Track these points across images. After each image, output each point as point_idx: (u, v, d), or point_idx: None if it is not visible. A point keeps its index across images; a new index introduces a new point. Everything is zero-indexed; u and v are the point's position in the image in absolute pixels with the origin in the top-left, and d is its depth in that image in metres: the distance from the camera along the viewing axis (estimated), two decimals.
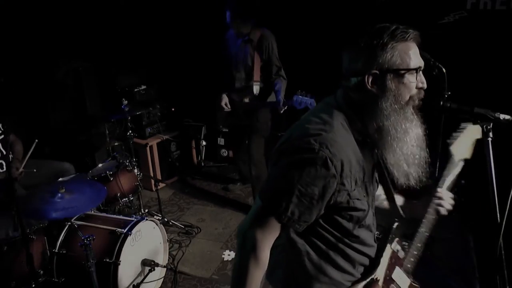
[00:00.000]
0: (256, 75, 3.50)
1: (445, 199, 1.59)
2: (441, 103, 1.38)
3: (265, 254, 1.29)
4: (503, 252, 1.33)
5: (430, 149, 1.37)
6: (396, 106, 1.25)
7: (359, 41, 1.25)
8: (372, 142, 1.31)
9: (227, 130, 4.56)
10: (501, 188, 1.37)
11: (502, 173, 1.46)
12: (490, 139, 1.34)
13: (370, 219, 1.42)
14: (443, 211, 1.59)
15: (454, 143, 1.64)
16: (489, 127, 1.33)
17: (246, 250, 1.28)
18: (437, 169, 2.97)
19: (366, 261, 1.44)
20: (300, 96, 3.14)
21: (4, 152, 3.09)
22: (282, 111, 3.34)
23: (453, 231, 3.32)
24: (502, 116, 1.34)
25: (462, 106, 1.38)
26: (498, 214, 1.32)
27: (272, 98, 3.55)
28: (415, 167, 1.32)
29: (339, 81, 1.35)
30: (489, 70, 3.52)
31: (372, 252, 1.46)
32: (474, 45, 3.57)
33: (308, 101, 3.11)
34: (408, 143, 1.28)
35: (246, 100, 3.59)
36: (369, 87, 1.24)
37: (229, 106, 3.67)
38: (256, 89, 3.52)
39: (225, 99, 3.67)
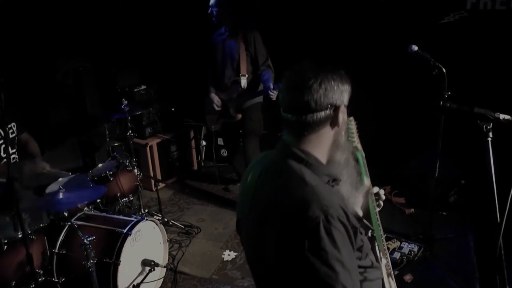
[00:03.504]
0: (243, 68, 3.50)
1: (382, 193, 1.64)
2: (441, 103, 1.38)
3: None
4: (503, 252, 1.33)
5: (430, 149, 1.37)
6: (345, 139, 1.30)
7: (327, 75, 1.23)
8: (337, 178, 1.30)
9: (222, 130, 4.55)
10: (501, 188, 1.37)
11: (502, 173, 1.46)
12: (490, 139, 1.34)
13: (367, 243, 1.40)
14: (381, 206, 1.63)
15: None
16: (489, 127, 1.33)
17: None
18: (437, 169, 2.98)
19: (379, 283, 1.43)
20: None
21: (10, 151, 3.08)
22: (274, 97, 3.34)
23: (453, 231, 3.32)
24: (502, 116, 1.35)
25: (462, 106, 1.38)
26: (498, 214, 1.32)
27: (261, 89, 3.56)
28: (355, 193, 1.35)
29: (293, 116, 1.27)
30: (489, 70, 3.52)
31: (379, 273, 1.43)
32: (474, 45, 3.57)
33: None
34: (353, 170, 1.32)
35: (235, 96, 3.59)
36: (338, 120, 1.24)
37: (220, 105, 3.68)
38: (243, 82, 3.52)
39: (215, 98, 3.68)
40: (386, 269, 1.50)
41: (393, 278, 1.55)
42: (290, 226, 1.14)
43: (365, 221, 1.44)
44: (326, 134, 1.26)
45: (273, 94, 3.33)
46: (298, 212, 1.13)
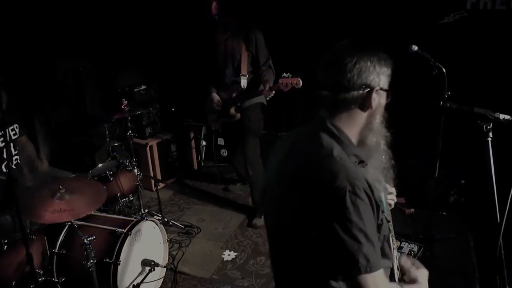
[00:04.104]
0: (244, 68, 3.50)
1: (394, 194, 1.69)
2: (441, 103, 1.38)
3: None
4: (503, 252, 1.33)
5: (430, 149, 1.37)
6: (380, 122, 1.30)
7: (364, 55, 1.23)
8: (366, 161, 1.30)
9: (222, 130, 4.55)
10: (501, 188, 1.37)
11: (502, 173, 1.46)
12: (490, 139, 1.34)
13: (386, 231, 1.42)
14: (392, 205, 1.67)
15: None
16: (489, 127, 1.33)
17: None
18: (437, 168, 2.98)
19: (388, 272, 1.43)
20: (285, 79, 3.16)
21: (13, 153, 3.08)
22: (268, 97, 3.34)
23: (453, 231, 3.32)
24: (502, 116, 1.34)
25: (462, 106, 1.38)
26: (498, 214, 1.32)
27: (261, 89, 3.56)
28: (387, 179, 1.37)
29: (316, 98, 1.31)
30: (489, 70, 3.52)
31: (390, 263, 1.45)
32: (474, 45, 3.57)
33: (294, 81, 3.13)
34: (382, 155, 1.32)
35: (234, 95, 3.60)
36: (371, 102, 1.24)
37: (220, 104, 3.69)
38: (243, 83, 3.51)
39: (216, 98, 3.68)
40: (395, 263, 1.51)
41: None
42: (317, 196, 1.17)
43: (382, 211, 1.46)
44: (359, 115, 1.27)
45: (270, 95, 3.33)
46: (326, 183, 1.16)
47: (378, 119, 1.29)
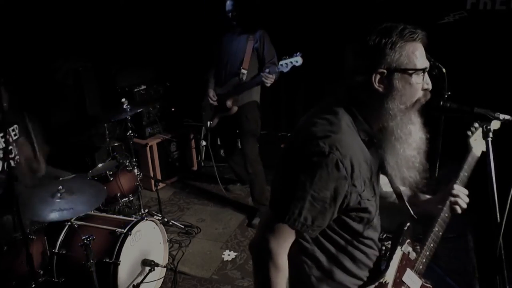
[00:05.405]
0: (246, 63, 3.53)
1: (462, 197, 1.59)
2: (441, 103, 1.37)
3: (283, 261, 1.26)
4: (503, 252, 1.33)
5: (430, 149, 1.37)
6: (402, 107, 1.24)
7: (366, 38, 1.22)
8: (378, 142, 1.29)
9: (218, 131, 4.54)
10: (501, 188, 1.37)
11: (502, 173, 1.46)
12: (490, 139, 1.34)
13: (377, 220, 1.40)
14: (458, 210, 1.60)
15: (473, 136, 1.62)
16: (489, 127, 1.33)
17: (264, 261, 1.25)
18: (437, 168, 2.98)
19: (372, 263, 1.42)
20: (285, 60, 3.17)
21: (13, 153, 3.08)
22: (269, 81, 3.35)
23: (453, 231, 3.32)
24: (502, 116, 1.34)
25: (462, 106, 1.38)
26: (498, 214, 1.32)
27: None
28: (413, 171, 1.31)
29: (339, 79, 1.33)
30: (489, 70, 3.52)
31: (377, 253, 1.44)
32: (474, 45, 3.57)
33: (294, 59, 3.13)
34: (410, 146, 1.28)
35: (232, 87, 3.61)
36: (375, 86, 1.22)
37: (215, 99, 3.70)
38: (243, 75, 3.54)
39: (211, 92, 3.71)
40: (407, 260, 1.49)
41: (419, 273, 1.53)
42: (301, 145, 1.24)
43: (407, 203, 1.47)
44: (369, 99, 1.26)
45: (269, 78, 3.33)
46: (314, 139, 1.20)
47: (397, 103, 1.23)
